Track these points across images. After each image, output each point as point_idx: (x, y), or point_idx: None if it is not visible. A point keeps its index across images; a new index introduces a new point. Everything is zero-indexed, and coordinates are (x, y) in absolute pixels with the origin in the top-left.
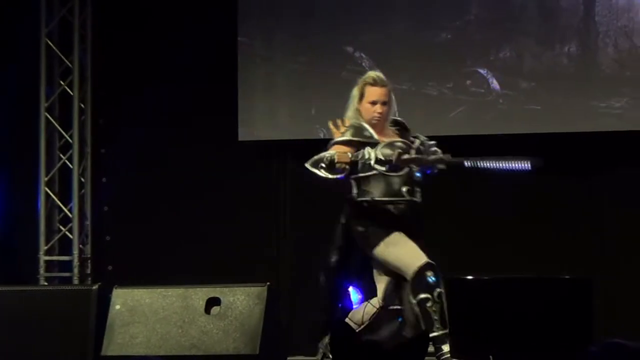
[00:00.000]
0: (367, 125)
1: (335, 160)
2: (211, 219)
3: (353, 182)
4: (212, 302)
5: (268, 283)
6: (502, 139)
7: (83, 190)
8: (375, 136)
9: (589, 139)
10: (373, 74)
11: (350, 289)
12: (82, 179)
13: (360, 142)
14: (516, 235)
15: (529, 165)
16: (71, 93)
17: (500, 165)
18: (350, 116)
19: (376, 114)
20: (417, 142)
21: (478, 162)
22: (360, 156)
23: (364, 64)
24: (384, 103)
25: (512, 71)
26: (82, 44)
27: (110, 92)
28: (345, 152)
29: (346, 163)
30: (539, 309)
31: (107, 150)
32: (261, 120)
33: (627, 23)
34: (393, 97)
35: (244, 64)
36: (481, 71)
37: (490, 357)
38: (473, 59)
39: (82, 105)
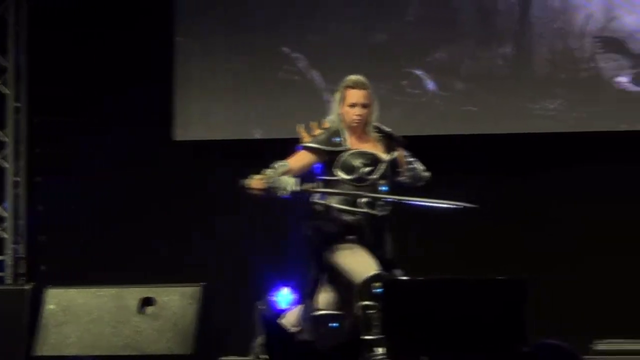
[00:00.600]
0: (344, 130)
1: (248, 187)
2: (146, 218)
3: (320, 184)
4: (146, 302)
5: (202, 283)
6: (438, 139)
7: (17, 190)
8: (347, 143)
9: (524, 140)
10: (353, 77)
11: (286, 289)
12: (17, 179)
13: (324, 151)
14: (448, 236)
15: (463, 207)
16: (6, 92)
17: (431, 204)
18: (331, 120)
19: (355, 117)
20: (396, 154)
21: (403, 201)
22: (274, 184)
23: (300, 64)
24: (363, 105)
25: (449, 72)
26: (18, 43)
27: (45, 91)
28: (262, 179)
29: (259, 190)
30: (473, 310)
31: (42, 150)
32: (197, 121)
33: (562, 25)
34: (375, 101)
35: (180, 64)
36: (417, 72)
37: (424, 358)
38: (409, 60)
39: (17, 104)
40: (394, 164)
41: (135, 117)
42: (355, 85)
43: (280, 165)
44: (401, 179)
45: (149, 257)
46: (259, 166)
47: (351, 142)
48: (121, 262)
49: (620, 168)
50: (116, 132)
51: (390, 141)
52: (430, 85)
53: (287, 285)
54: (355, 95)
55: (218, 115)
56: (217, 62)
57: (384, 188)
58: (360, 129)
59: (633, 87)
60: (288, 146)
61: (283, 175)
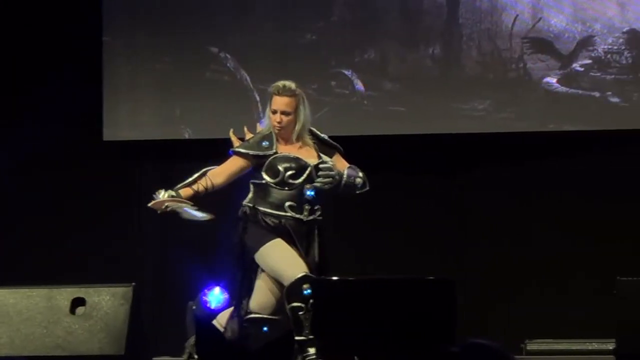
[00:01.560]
0: (274, 135)
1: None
2: (76, 219)
3: (251, 187)
4: (77, 302)
5: (133, 283)
6: (367, 140)
7: None
8: (275, 147)
9: (453, 140)
10: (280, 82)
11: (217, 289)
12: None
13: (252, 155)
14: (379, 237)
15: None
16: None
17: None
18: (266, 124)
19: (276, 124)
20: (328, 160)
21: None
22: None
23: (228, 64)
24: (284, 113)
25: (377, 72)
26: None
27: None
28: (163, 202)
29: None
30: (403, 310)
31: None
32: (126, 121)
33: (490, 26)
34: (302, 106)
35: (108, 64)
36: (346, 72)
37: (355, 358)
38: (337, 60)
39: None
40: (316, 171)
41: (65, 118)
42: (279, 92)
43: (196, 174)
44: (317, 184)
45: (79, 257)
46: (188, 166)
47: (281, 147)
48: (52, 262)
49: (547, 168)
50: (44, 131)
51: (324, 147)
52: (359, 85)
53: (218, 285)
54: (277, 102)
55: (147, 115)
56: (146, 61)
57: (309, 192)
58: (288, 135)
59: (561, 88)
60: (217, 146)
61: (165, 191)
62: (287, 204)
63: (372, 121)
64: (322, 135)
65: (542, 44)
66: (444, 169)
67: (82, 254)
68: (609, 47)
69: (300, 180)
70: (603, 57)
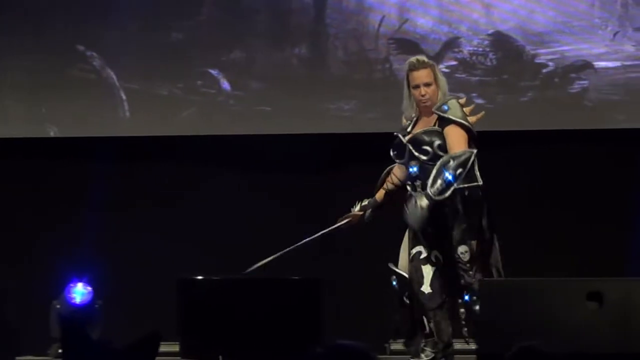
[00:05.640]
0: (414, 113)
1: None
2: None
3: None
4: None
5: None
6: (234, 139)
7: None
8: (410, 127)
9: (320, 140)
10: (413, 58)
11: (80, 284)
12: None
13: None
14: (244, 236)
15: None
16: None
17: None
18: (405, 105)
19: (421, 97)
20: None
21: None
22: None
23: (95, 62)
24: (426, 84)
25: (243, 72)
26: None
27: None
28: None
29: None
30: (268, 310)
31: None
32: None
33: (357, 26)
34: (439, 74)
35: None
36: (212, 71)
37: (220, 357)
38: (204, 59)
39: None
40: (416, 143)
41: None
42: (415, 67)
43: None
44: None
45: None
46: (52, 164)
47: (418, 125)
48: None
49: None
50: None
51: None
52: (225, 84)
53: (81, 280)
54: (417, 76)
55: (13, 112)
56: (12, 59)
57: (412, 169)
58: (433, 105)
59: None
60: (81, 145)
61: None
62: (407, 182)
63: (239, 121)
64: (445, 107)
65: (409, 45)
66: (311, 168)
67: None
68: (474, 48)
69: (403, 159)
70: (468, 59)
